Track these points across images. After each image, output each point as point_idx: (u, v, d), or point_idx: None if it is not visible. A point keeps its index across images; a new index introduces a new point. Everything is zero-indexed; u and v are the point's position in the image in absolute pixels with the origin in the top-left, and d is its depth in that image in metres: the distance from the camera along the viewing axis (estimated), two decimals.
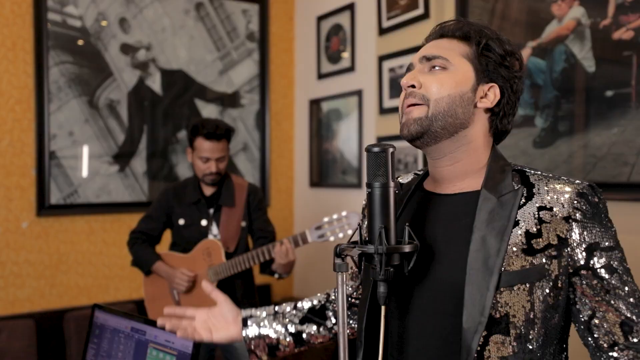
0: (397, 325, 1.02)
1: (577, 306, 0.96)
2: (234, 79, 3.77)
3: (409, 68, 1.08)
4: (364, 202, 1.19)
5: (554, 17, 2.30)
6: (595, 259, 0.94)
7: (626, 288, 0.93)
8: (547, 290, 0.93)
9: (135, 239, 2.49)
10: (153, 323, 1.40)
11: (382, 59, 3.04)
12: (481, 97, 1.03)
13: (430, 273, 0.98)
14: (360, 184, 3.36)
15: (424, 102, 1.01)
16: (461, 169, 1.04)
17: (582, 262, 0.94)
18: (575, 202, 0.95)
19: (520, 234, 0.94)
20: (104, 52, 3.33)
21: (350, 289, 1.24)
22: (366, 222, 0.91)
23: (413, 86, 1.02)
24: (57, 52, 3.19)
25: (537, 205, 0.96)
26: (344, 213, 2.23)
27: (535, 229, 0.94)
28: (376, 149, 0.85)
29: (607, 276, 0.93)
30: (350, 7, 3.43)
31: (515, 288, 0.92)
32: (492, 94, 1.03)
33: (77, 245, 3.27)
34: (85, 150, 3.27)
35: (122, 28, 3.38)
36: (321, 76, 3.71)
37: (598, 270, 0.93)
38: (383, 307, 0.83)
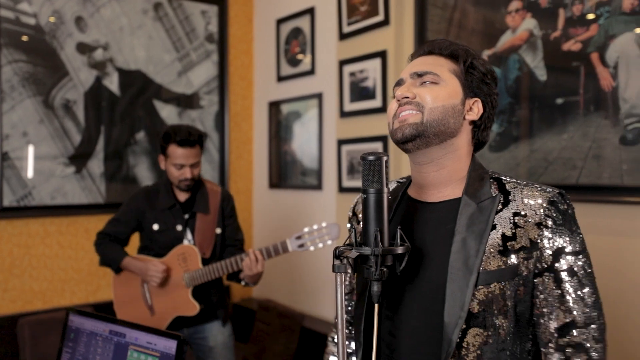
0: (389, 324, 1.09)
1: (536, 301, 1.05)
2: (193, 80, 3.76)
3: (399, 83, 1.15)
4: (352, 206, 1.24)
5: (508, 28, 2.43)
6: (560, 262, 1.03)
7: (579, 292, 1.02)
8: (519, 288, 1.03)
9: (103, 239, 2.46)
10: (133, 325, 1.42)
11: (342, 63, 3.11)
12: (468, 110, 1.13)
13: (419, 275, 1.06)
14: (320, 186, 3.42)
15: (419, 110, 1.08)
16: (445, 175, 1.11)
17: (547, 264, 1.03)
18: (547, 210, 1.03)
19: (498, 237, 1.03)
20: (59, 50, 3.26)
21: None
22: (360, 226, 0.97)
23: (407, 97, 1.09)
24: (10, 51, 3.10)
25: (513, 211, 1.05)
26: (324, 224, 2.28)
27: (510, 233, 1.03)
28: (371, 157, 0.91)
29: (567, 279, 1.02)
30: (310, 12, 3.48)
31: (491, 286, 1.00)
32: (476, 108, 1.13)
33: (32, 249, 3.19)
34: (40, 151, 3.19)
35: (79, 27, 3.32)
36: (281, 79, 3.75)
37: (560, 272, 1.02)
38: (376, 305, 0.89)
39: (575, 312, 1.01)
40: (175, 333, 1.33)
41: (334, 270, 0.85)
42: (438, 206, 1.11)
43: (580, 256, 1.04)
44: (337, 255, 0.87)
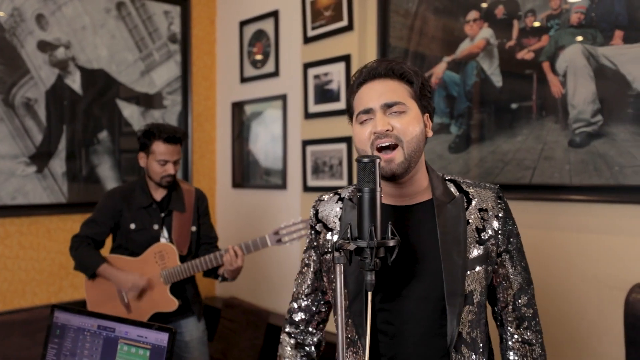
0: (386, 315, 1.22)
1: (495, 276, 1.31)
2: (156, 79, 3.77)
3: (367, 112, 1.24)
4: (313, 212, 1.39)
5: (467, 36, 2.58)
6: (512, 242, 1.30)
7: (522, 263, 1.32)
8: (489, 268, 1.27)
9: (80, 242, 2.44)
10: (122, 320, 1.46)
11: (307, 66, 3.20)
12: (426, 128, 1.28)
13: (413, 268, 1.21)
14: (285, 185, 3.50)
15: (398, 142, 1.21)
16: (417, 187, 1.28)
17: (505, 246, 1.29)
18: (498, 203, 1.30)
19: (473, 230, 1.25)
20: (19, 48, 3.21)
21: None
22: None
23: (387, 129, 1.21)
24: None
25: (478, 207, 1.28)
26: (299, 219, 2.37)
27: (481, 225, 1.27)
28: (366, 160, 1.02)
29: (516, 255, 1.31)
30: (274, 15, 3.56)
31: (475, 270, 1.23)
32: (429, 122, 1.30)
33: None
34: (0, 150, 3.14)
35: (40, 25, 3.28)
36: (244, 80, 3.81)
37: (512, 251, 1.30)
38: (370, 293, 0.99)
39: (521, 279, 1.31)
40: (166, 326, 1.39)
41: (334, 262, 0.94)
42: (413, 208, 1.27)
43: (519, 237, 1.32)
44: (337, 248, 0.97)
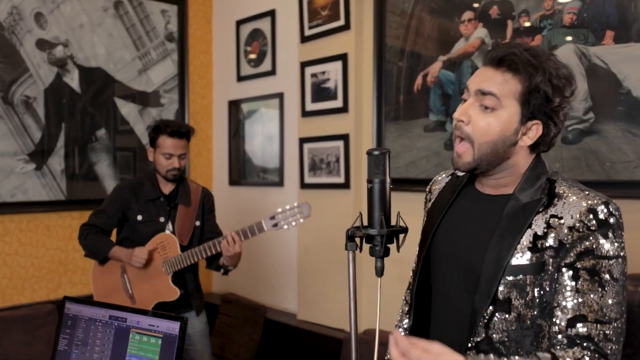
0: (436, 296, 1.25)
1: (555, 294, 1.11)
2: (154, 78, 3.80)
3: (464, 91, 1.20)
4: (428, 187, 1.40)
5: (462, 36, 2.64)
6: (583, 261, 1.08)
7: (598, 291, 1.06)
8: (544, 282, 1.11)
9: (89, 230, 2.50)
10: (134, 310, 1.51)
11: (304, 64, 3.25)
12: (523, 135, 1.15)
13: (460, 258, 1.20)
14: (282, 183, 3.55)
15: (470, 143, 1.15)
16: (503, 182, 1.21)
17: (570, 261, 1.09)
18: (583, 216, 1.09)
19: (530, 235, 1.12)
20: (18, 47, 3.24)
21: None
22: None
23: (462, 121, 1.16)
24: None
25: (551, 213, 1.12)
26: (295, 204, 2.42)
27: (542, 232, 1.12)
28: (376, 152, 1.07)
29: (586, 277, 1.07)
30: (271, 14, 3.60)
31: (518, 277, 1.11)
32: (534, 131, 1.15)
33: None
34: None
35: (38, 23, 3.31)
36: (241, 78, 3.85)
37: (580, 270, 1.08)
38: (379, 279, 1.04)
39: (587, 309, 1.05)
40: (178, 315, 1.44)
41: (346, 249, 1.00)
42: (492, 199, 1.21)
43: (608, 260, 1.07)
44: (350, 235, 1.02)
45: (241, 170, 3.89)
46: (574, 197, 1.12)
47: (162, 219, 2.49)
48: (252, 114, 3.81)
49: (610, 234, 1.09)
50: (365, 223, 1.06)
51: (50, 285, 3.37)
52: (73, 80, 3.44)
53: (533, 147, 1.19)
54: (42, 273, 3.34)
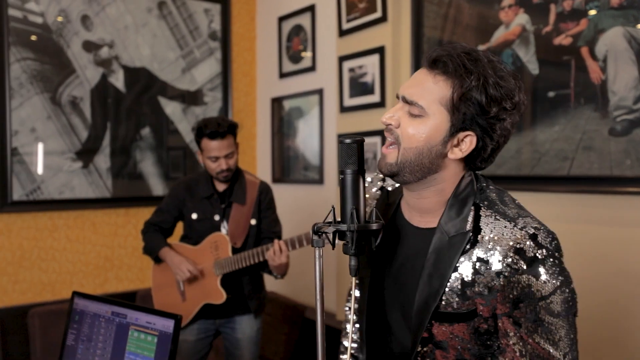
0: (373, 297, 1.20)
1: (500, 338, 1.06)
2: (197, 77, 3.84)
3: (398, 96, 1.11)
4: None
5: (502, 23, 2.48)
6: (519, 310, 1.01)
7: (539, 339, 1.00)
8: (480, 325, 1.06)
9: (147, 228, 2.54)
10: (133, 307, 1.49)
11: (342, 59, 3.17)
12: (454, 146, 1.06)
13: (397, 294, 1.16)
14: (322, 180, 3.49)
15: (396, 145, 1.07)
16: (427, 205, 1.11)
17: (506, 311, 1.03)
18: (509, 259, 1.00)
19: (457, 279, 1.05)
20: (66, 49, 3.34)
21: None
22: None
23: (390, 124, 1.07)
24: (18, 49, 3.19)
25: (477, 256, 1.04)
26: None
27: (469, 279, 1.04)
28: (348, 140, 0.98)
29: (528, 323, 1.01)
30: (311, 9, 3.55)
31: (445, 325, 1.07)
32: (466, 143, 1.05)
33: (40, 242, 3.28)
34: (48, 146, 3.28)
35: (85, 25, 3.40)
36: (283, 75, 3.82)
37: (520, 319, 1.02)
38: (354, 279, 0.96)
39: (538, 359, 1.00)
40: (172, 313, 1.40)
41: (312, 245, 0.92)
42: (419, 232, 1.13)
43: (545, 301, 1.00)
44: (315, 231, 0.94)
45: (284, 168, 3.86)
46: (500, 232, 1.02)
47: (217, 217, 2.44)
48: (294, 110, 3.77)
49: (541, 270, 0.99)
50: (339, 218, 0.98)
51: (97, 280, 3.46)
52: (118, 80, 3.52)
53: (467, 162, 1.08)
54: (89, 269, 3.43)
